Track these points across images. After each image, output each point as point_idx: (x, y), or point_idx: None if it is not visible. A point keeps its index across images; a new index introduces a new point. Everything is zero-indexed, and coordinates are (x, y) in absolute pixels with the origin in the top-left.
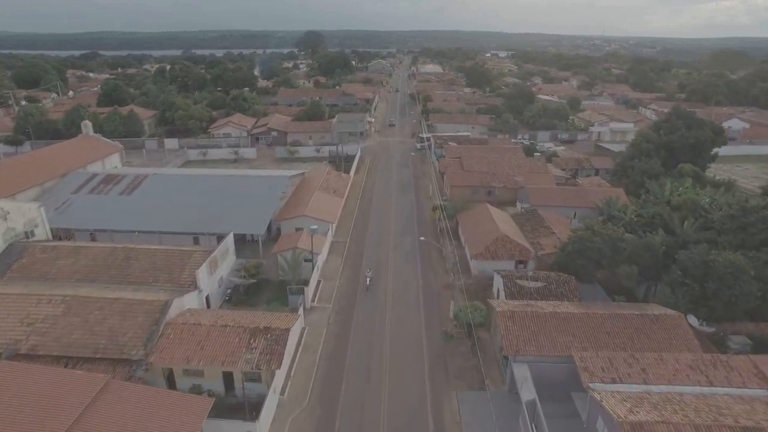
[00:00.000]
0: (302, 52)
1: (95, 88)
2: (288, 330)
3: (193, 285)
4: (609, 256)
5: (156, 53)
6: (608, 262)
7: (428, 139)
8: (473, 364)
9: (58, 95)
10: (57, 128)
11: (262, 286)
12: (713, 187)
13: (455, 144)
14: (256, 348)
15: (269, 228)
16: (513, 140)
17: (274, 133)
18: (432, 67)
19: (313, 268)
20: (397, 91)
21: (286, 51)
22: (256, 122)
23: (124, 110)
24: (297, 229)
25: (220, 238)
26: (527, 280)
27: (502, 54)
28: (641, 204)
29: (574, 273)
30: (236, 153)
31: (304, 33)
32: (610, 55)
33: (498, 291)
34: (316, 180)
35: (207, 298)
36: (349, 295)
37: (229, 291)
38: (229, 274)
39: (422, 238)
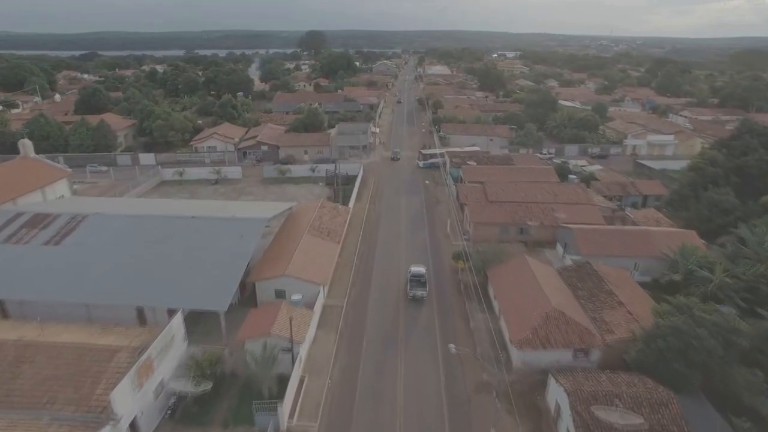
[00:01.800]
0: (305, 53)
1: None
2: None
3: (108, 412)
4: (720, 356)
5: (158, 53)
6: (718, 364)
7: (441, 156)
8: None
9: (41, 99)
10: (16, 141)
11: (221, 391)
12: None
13: (475, 164)
14: None
15: (242, 284)
16: (538, 155)
17: (265, 147)
18: (439, 69)
19: (293, 362)
20: (400, 102)
21: (289, 51)
22: (246, 133)
23: (97, 119)
24: (276, 292)
25: (173, 310)
26: (611, 407)
27: (510, 54)
28: (730, 257)
29: (668, 380)
30: (218, 172)
31: (306, 32)
32: (622, 56)
33: (558, 410)
34: (306, 217)
35: (134, 422)
36: (344, 401)
37: (173, 401)
38: (174, 373)
39: (452, 346)
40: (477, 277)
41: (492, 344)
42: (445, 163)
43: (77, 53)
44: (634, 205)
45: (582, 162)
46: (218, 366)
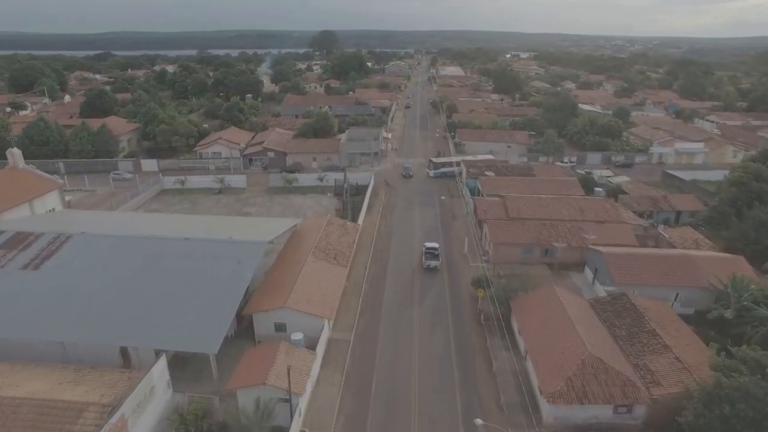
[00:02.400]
0: (317, 53)
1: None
2: None
3: None
4: None
5: (172, 53)
6: None
7: (457, 165)
8: None
9: (50, 100)
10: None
11: None
12: None
13: (493, 174)
14: None
15: (239, 315)
16: (558, 164)
17: (271, 154)
18: (453, 69)
19: (291, 414)
20: (409, 107)
21: (301, 51)
22: (252, 138)
23: (100, 122)
24: (276, 325)
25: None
26: None
27: (524, 55)
28: None
29: None
30: (221, 181)
31: (318, 33)
32: (639, 56)
33: None
34: (312, 236)
35: None
36: None
37: None
38: (155, 429)
39: (478, 421)
40: (499, 308)
41: (518, 390)
42: (461, 173)
43: (92, 53)
44: (666, 222)
45: (607, 172)
46: (206, 420)
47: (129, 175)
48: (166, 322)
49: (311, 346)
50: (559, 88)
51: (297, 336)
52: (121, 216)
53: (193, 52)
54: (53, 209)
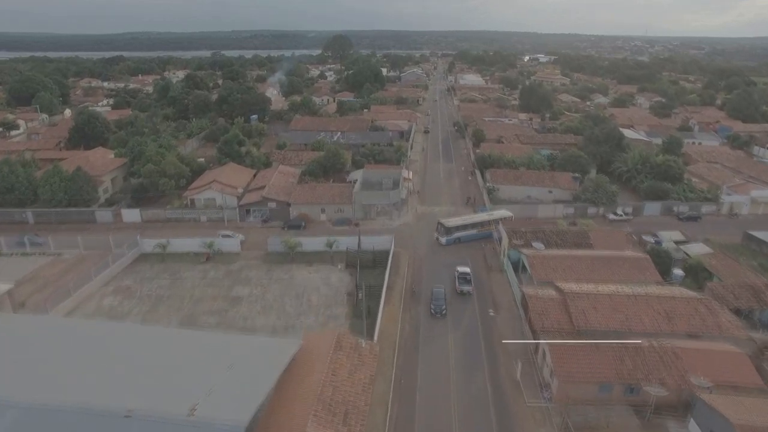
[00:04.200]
0: (330, 57)
1: (102, 103)
2: None
3: None
4: None
5: (188, 54)
6: None
7: (497, 225)
8: None
9: (47, 117)
10: None
11: None
12: None
13: (542, 247)
14: None
15: None
16: (611, 216)
17: (272, 204)
18: (473, 78)
19: None
20: (427, 131)
21: (315, 54)
22: (253, 178)
23: (83, 156)
24: None
25: None
26: None
27: (543, 58)
28: None
29: None
30: (210, 246)
31: (332, 37)
32: (666, 61)
33: None
34: (314, 374)
35: None
36: None
37: None
38: None
39: None
40: None
41: None
42: (499, 239)
43: (109, 54)
44: None
45: (676, 234)
46: None
47: (239, 236)
48: None
49: None
50: (589, 103)
51: None
52: (61, 328)
53: (207, 53)
54: None
